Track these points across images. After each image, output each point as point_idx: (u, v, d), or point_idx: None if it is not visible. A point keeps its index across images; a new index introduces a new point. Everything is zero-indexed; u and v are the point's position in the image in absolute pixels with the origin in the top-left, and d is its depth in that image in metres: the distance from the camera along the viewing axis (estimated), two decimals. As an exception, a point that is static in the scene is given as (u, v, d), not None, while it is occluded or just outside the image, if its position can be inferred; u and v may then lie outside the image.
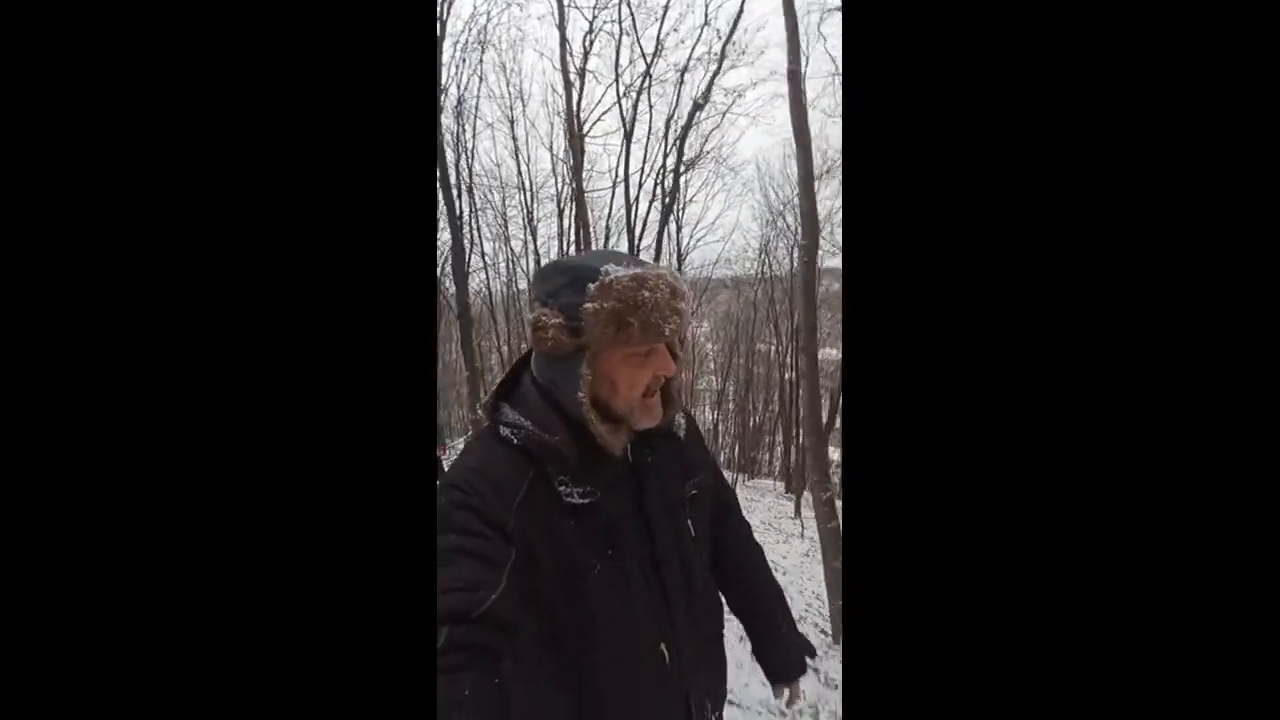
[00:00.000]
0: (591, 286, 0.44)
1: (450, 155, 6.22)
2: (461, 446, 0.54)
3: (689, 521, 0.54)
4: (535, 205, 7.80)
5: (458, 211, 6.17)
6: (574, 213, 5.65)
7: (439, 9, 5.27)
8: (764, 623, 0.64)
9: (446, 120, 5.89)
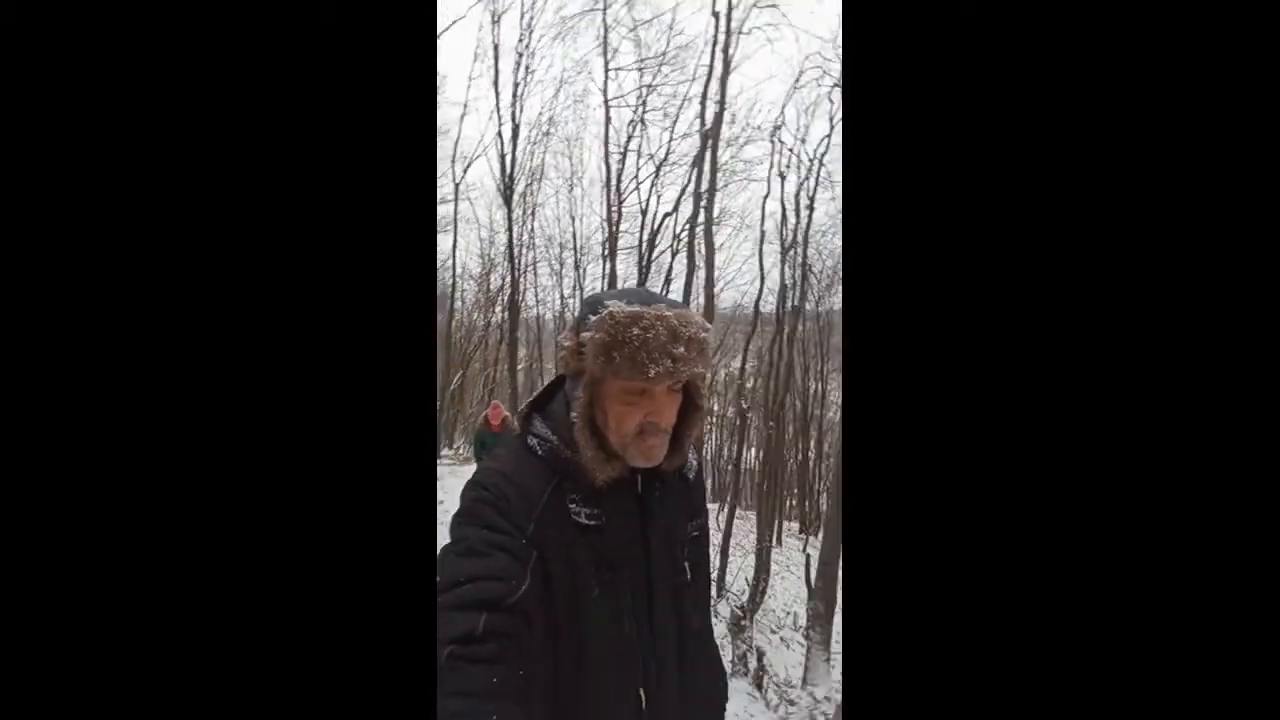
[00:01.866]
0: (593, 318, 0.45)
1: (517, 213, 7.90)
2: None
3: (685, 563, 0.54)
4: (583, 256, 9.35)
5: (518, 258, 7.79)
6: (610, 265, 6.91)
7: (513, 110, 7.07)
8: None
9: (518, 187, 7.64)
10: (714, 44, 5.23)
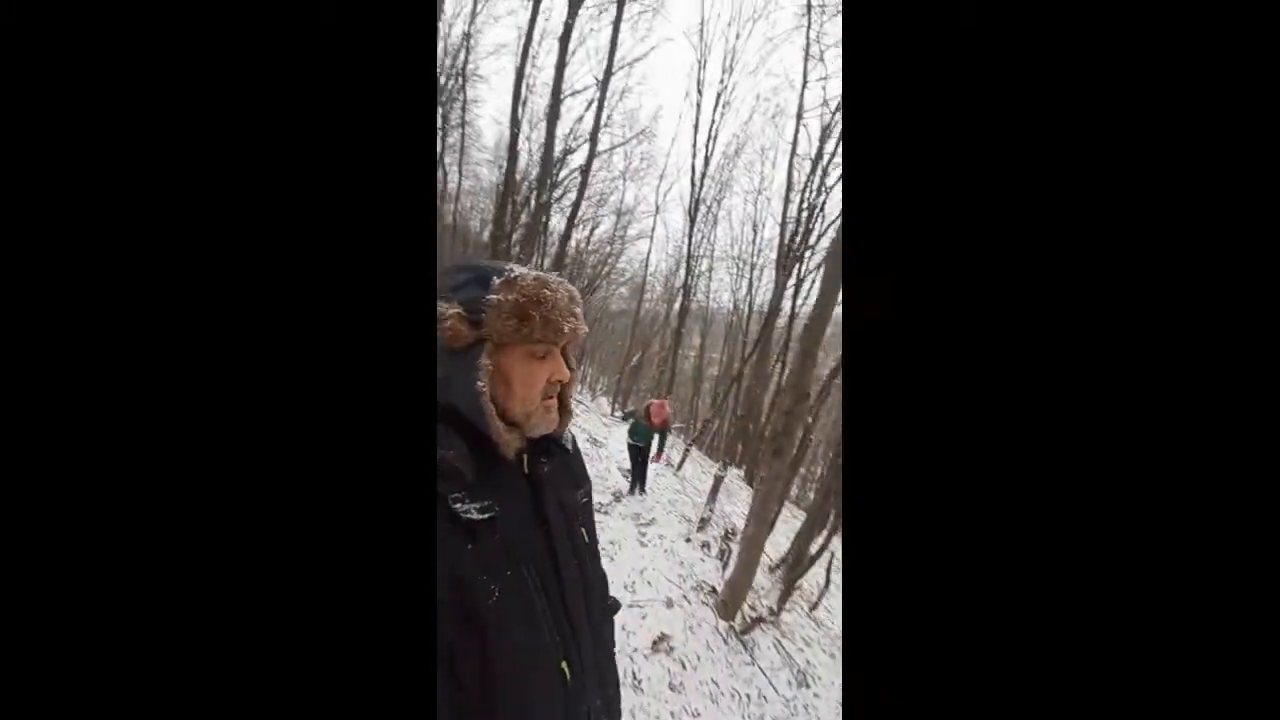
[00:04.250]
0: (496, 280, 0.45)
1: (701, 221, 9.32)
2: None
3: (583, 529, 0.54)
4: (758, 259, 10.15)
5: (694, 262, 9.27)
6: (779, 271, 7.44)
7: (709, 138, 8.21)
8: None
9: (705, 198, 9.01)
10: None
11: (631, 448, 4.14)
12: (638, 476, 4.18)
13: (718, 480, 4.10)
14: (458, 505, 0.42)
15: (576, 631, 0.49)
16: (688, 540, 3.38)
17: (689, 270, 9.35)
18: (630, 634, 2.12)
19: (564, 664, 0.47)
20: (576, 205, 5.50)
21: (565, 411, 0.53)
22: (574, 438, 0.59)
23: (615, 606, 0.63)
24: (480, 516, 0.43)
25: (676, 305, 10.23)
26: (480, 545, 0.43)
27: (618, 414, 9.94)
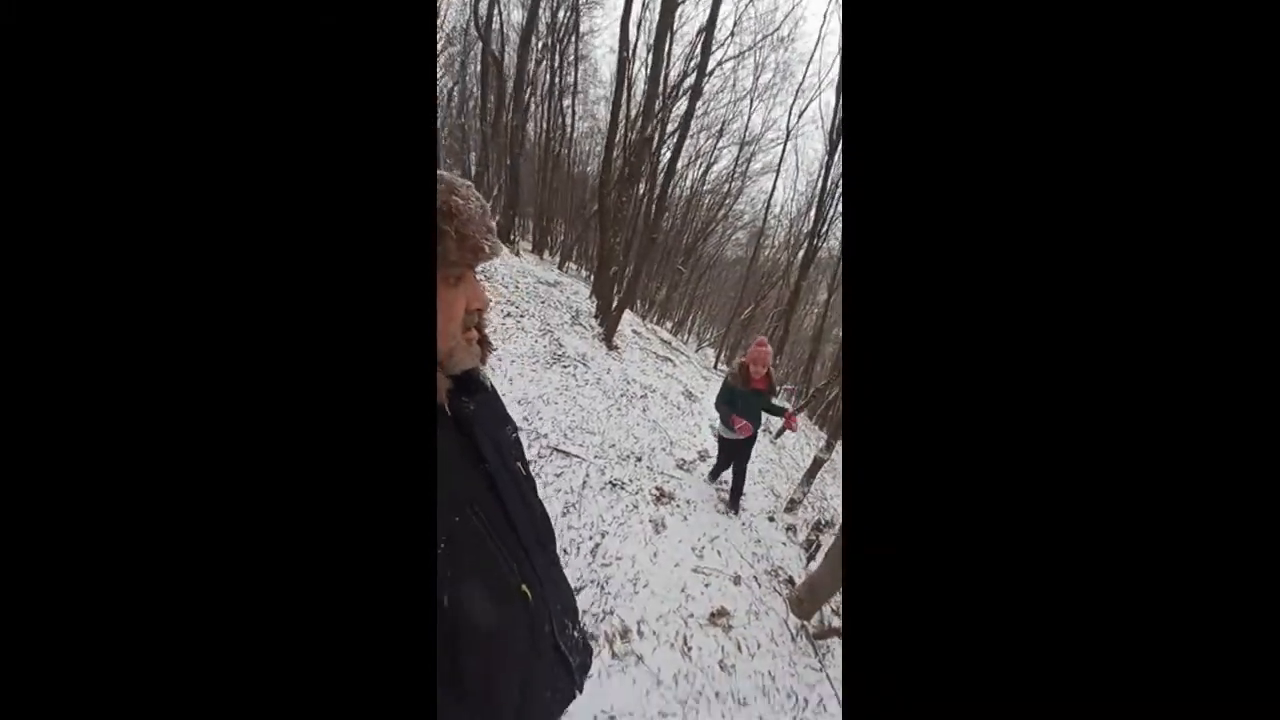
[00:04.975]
0: None
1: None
2: None
3: (518, 464, 0.52)
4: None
5: (826, 202, 7.59)
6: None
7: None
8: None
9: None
10: None
11: (721, 440, 2.82)
12: (734, 481, 2.81)
13: (819, 461, 3.58)
14: None
15: (530, 555, 0.48)
16: (771, 519, 3.12)
17: (820, 212, 7.80)
18: (689, 598, 2.08)
19: (523, 586, 0.45)
20: (681, 136, 4.81)
21: (485, 344, 0.46)
22: (490, 380, 0.52)
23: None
24: None
25: (801, 253, 8.87)
26: None
27: (722, 368, 9.61)
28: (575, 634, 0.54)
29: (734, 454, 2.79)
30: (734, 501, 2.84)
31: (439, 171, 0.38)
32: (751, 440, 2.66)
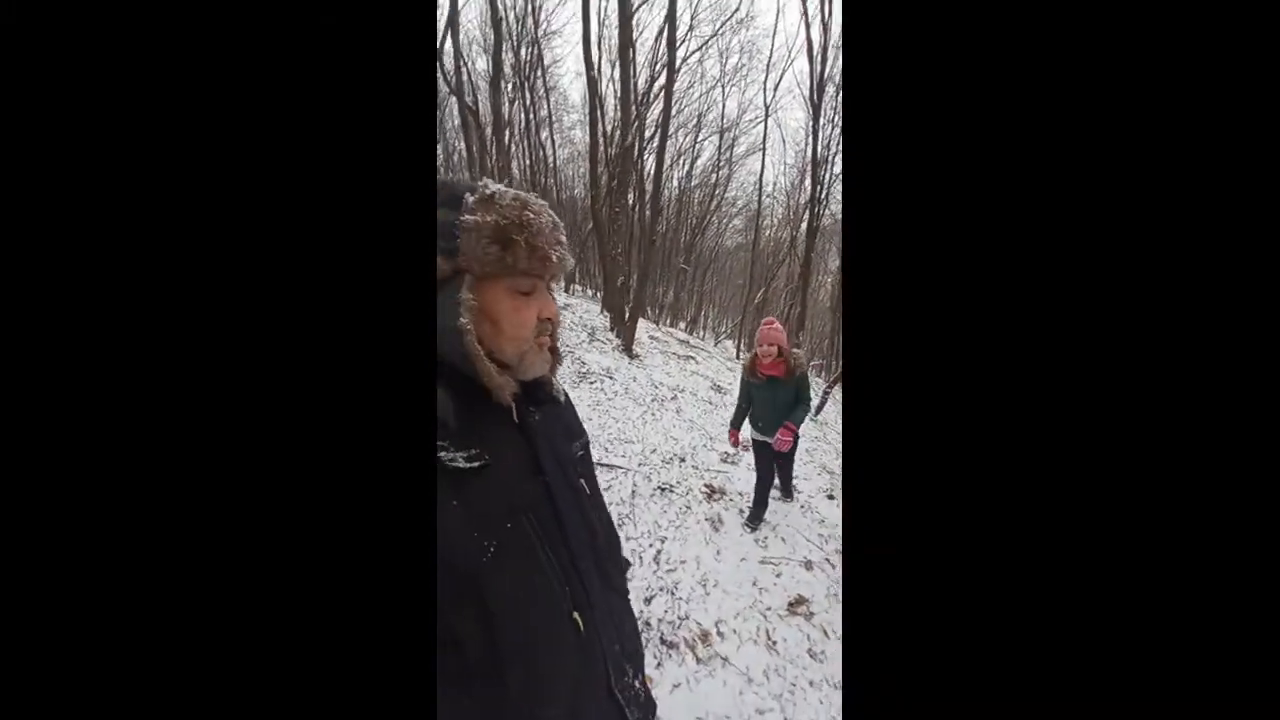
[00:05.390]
0: (470, 198, 0.38)
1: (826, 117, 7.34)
2: None
3: (581, 480, 0.49)
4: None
5: (822, 168, 7.44)
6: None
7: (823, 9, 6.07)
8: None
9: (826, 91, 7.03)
10: None
11: (756, 443, 2.21)
12: (779, 486, 2.47)
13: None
14: (443, 454, 0.38)
15: (584, 579, 0.45)
16: (830, 497, 3.01)
17: (815, 177, 7.62)
18: (763, 590, 2.02)
19: (575, 614, 0.43)
20: (663, 135, 4.87)
21: (555, 354, 0.47)
22: (565, 390, 0.53)
23: (626, 564, 0.59)
24: (468, 465, 0.39)
25: (804, 225, 8.69)
26: (469, 498, 0.38)
27: (744, 356, 9.40)
28: (637, 685, 0.50)
29: (772, 461, 2.23)
30: (785, 488, 2.69)
31: (516, 192, 0.40)
32: (793, 444, 2.08)
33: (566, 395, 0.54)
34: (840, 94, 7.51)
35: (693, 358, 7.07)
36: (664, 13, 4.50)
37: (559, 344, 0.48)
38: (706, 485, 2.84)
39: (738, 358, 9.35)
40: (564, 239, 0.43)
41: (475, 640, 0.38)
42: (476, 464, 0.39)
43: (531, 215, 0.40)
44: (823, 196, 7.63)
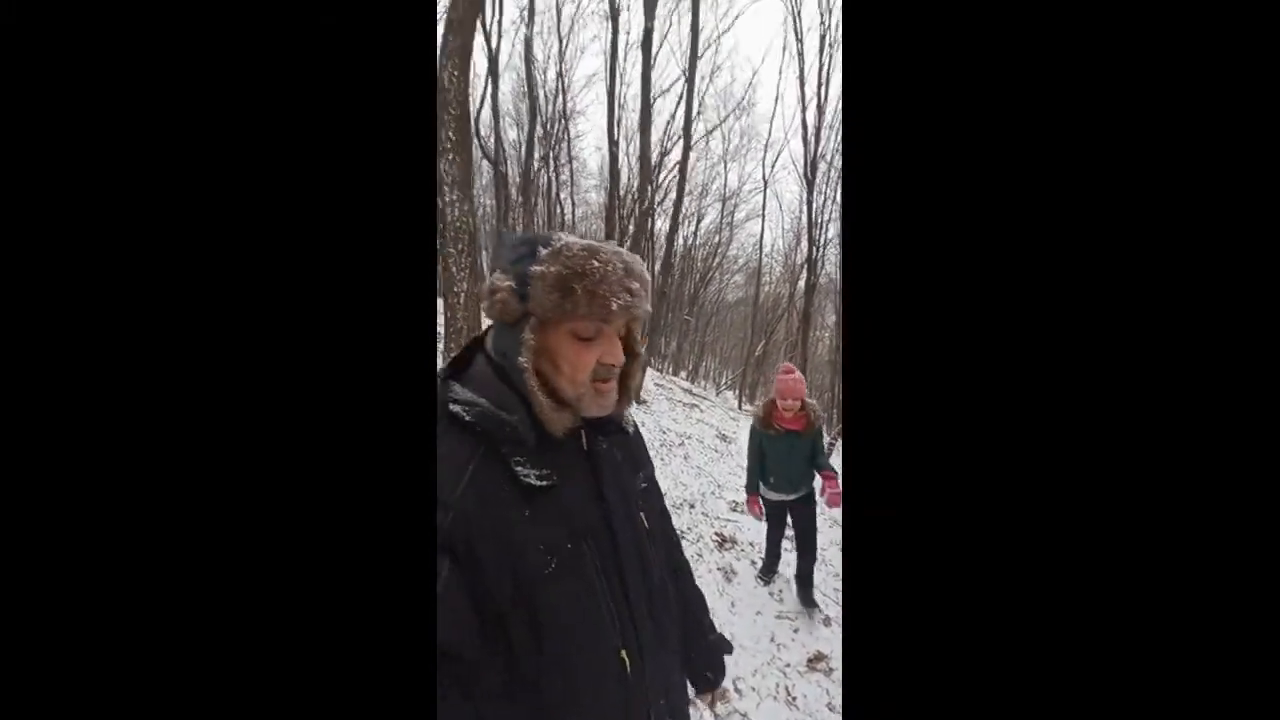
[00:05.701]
0: (543, 251, 0.42)
1: (819, 190, 8.22)
2: None
3: (642, 515, 0.51)
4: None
5: (818, 233, 8.16)
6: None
7: (818, 93, 7.08)
8: (694, 628, 0.61)
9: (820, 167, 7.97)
10: None
11: (769, 505, 2.04)
12: (775, 551, 2.19)
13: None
14: (519, 468, 0.42)
15: (635, 618, 0.46)
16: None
17: (812, 241, 8.32)
18: (780, 646, 1.96)
19: (622, 652, 0.44)
20: (679, 201, 5.50)
21: (626, 394, 0.50)
22: (635, 422, 0.56)
23: (726, 647, 0.61)
24: (539, 483, 0.42)
25: (801, 283, 9.26)
26: (537, 512, 0.42)
27: (746, 407, 9.52)
28: None
29: (785, 519, 2.11)
30: (808, 546, 2.19)
31: (589, 242, 0.44)
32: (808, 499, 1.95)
33: (636, 428, 0.56)
34: (831, 170, 8.49)
35: (697, 405, 7.14)
36: (677, 98, 5.48)
37: (638, 386, 0.51)
38: (717, 534, 2.81)
39: (740, 408, 9.45)
40: (636, 285, 0.44)
41: (523, 646, 0.39)
42: (545, 483, 0.42)
43: (597, 264, 0.42)
44: (820, 255, 8.33)
